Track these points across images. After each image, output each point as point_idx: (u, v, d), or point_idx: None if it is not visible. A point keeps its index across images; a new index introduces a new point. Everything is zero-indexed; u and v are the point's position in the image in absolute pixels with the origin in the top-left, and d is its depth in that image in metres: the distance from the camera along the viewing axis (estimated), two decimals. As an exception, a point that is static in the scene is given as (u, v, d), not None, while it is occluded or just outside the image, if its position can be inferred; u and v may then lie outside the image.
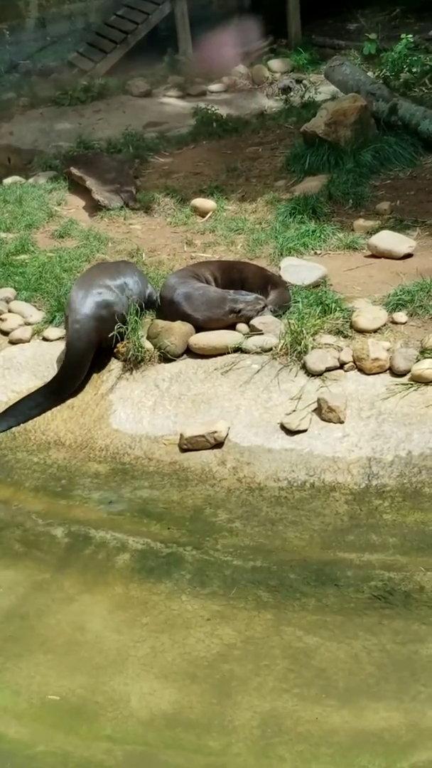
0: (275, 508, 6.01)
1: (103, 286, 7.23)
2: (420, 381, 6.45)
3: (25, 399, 7.12)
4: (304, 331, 6.85)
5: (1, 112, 14.27)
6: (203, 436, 6.45)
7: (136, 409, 6.86)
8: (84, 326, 7.04)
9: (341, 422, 6.35)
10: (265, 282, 7.56)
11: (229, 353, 6.99)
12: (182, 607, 5.40)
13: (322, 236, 8.57)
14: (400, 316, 7.05)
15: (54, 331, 7.62)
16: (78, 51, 16.19)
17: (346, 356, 6.72)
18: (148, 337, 7.19)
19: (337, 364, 6.72)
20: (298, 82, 13.65)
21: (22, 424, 7.04)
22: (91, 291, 7.16)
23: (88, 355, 7.09)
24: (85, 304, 7.08)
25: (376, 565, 5.49)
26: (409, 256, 8.08)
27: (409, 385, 6.46)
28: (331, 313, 7.13)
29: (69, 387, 7.10)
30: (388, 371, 6.62)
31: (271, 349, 6.91)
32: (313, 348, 6.79)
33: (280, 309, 7.26)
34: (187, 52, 15.26)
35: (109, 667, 5.07)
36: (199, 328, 7.19)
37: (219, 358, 7.00)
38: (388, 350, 6.68)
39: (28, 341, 7.66)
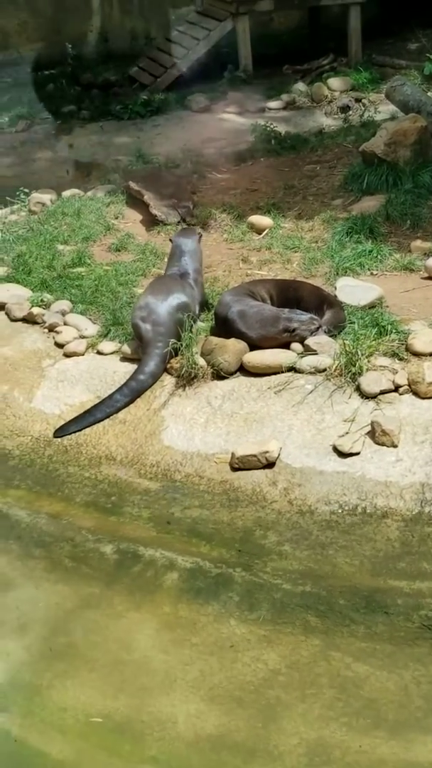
0: (326, 531, 5.96)
1: (179, 292, 7.49)
2: None
3: (114, 393, 7.16)
4: (359, 353, 6.79)
5: (62, 125, 14.37)
6: (255, 455, 6.41)
7: (188, 426, 6.84)
8: (167, 326, 7.23)
9: (395, 446, 6.28)
10: (320, 301, 7.52)
11: (282, 372, 6.95)
12: (230, 629, 5.36)
13: (379, 257, 8.51)
14: (457, 340, 6.97)
15: (108, 345, 7.63)
16: (139, 66, 16.25)
17: (401, 379, 6.65)
18: (202, 354, 7.17)
19: (392, 387, 6.64)
20: (358, 101, 13.59)
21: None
22: (171, 295, 7.42)
23: (168, 355, 7.22)
24: (167, 305, 7.33)
25: (427, 593, 5.42)
26: (467, 279, 8.01)
27: (465, 411, 6.38)
28: (386, 334, 7.06)
29: (149, 385, 7.18)
30: (443, 396, 6.55)
31: (325, 370, 6.86)
32: (367, 370, 6.73)
33: (335, 329, 7.21)
34: (248, 69, 15.25)
35: (155, 688, 5.04)
36: (253, 346, 7.15)
37: (272, 377, 6.96)
38: (444, 374, 6.61)
39: (83, 354, 7.67)
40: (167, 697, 4.98)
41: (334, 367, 6.83)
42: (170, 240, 8.33)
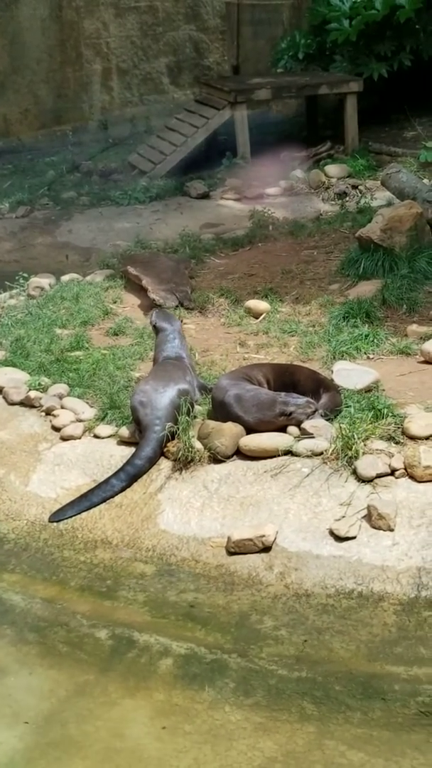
0: (322, 616, 5.91)
1: (181, 379, 7.56)
2: (472, 490, 6.37)
3: (111, 478, 7.15)
4: (355, 436, 6.79)
5: (62, 211, 14.55)
6: (251, 539, 6.39)
7: (184, 509, 6.82)
8: (166, 412, 7.24)
9: (391, 530, 6.26)
10: (317, 385, 7.55)
11: (279, 456, 6.94)
12: (225, 717, 5.28)
13: (375, 341, 8.56)
14: (453, 423, 6.98)
15: (105, 429, 7.64)
16: (138, 152, 16.53)
17: (397, 463, 6.65)
18: (199, 438, 7.18)
19: (388, 471, 6.64)
20: (354, 187, 13.83)
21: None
22: (172, 382, 7.47)
23: (165, 439, 7.22)
24: (168, 391, 7.37)
25: (424, 679, 5.35)
26: (462, 363, 8.05)
27: (461, 495, 6.37)
28: (382, 418, 7.07)
29: (146, 469, 7.16)
30: (439, 479, 6.55)
31: (321, 453, 6.86)
32: (363, 453, 6.73)
33: (332, 413, 7.22)
34: (246, 156, 15.50)
35: (148, 777, 4.98)
36: (250, 429, 7.16)
37: (269, 460, 6.94)
38: (440, 458, 6.61)
39: (79, 438, 7.67)
40: (161, 787, 4.91)
41: (330, 450, 6.82)
42: (153, 325, 8.39)
